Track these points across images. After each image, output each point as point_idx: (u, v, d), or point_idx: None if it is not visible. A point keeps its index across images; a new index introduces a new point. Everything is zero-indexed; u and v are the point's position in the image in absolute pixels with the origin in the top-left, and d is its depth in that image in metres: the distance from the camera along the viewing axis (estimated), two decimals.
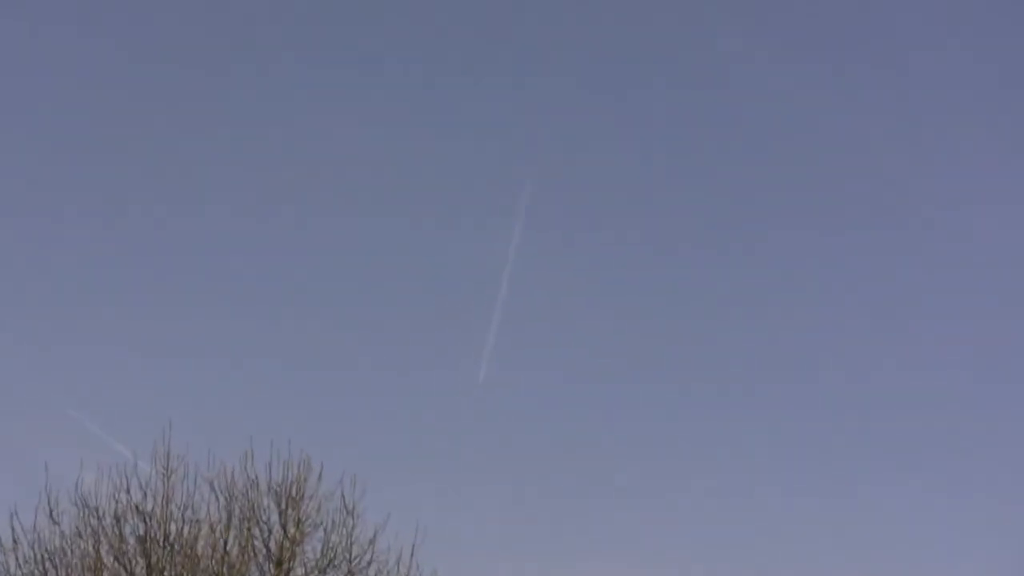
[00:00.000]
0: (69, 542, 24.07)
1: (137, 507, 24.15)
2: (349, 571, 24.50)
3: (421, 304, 40.06)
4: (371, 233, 41.44)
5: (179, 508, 24.29)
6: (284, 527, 24.31)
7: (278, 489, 24.49)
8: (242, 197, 41.14)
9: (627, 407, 38.34)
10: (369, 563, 24.56)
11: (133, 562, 24.22)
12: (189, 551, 24.00)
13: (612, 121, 42.85)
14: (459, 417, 37.27)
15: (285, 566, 24.42)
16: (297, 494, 24.49)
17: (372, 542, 24.48)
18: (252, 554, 24.27)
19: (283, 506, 24.42)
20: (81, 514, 24.12)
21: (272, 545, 24.36)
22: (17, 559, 24.01)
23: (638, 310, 40.94)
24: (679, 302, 40.87)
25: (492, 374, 37.02)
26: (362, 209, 41.83)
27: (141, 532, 24.06)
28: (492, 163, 41.95)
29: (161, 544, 24.10)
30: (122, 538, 24.08)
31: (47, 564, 24.07)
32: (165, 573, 24.05)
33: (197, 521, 24.22)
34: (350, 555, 24.45)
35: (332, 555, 24.48)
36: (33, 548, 24.01)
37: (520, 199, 39.58)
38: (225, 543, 24.12)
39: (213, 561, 24.07)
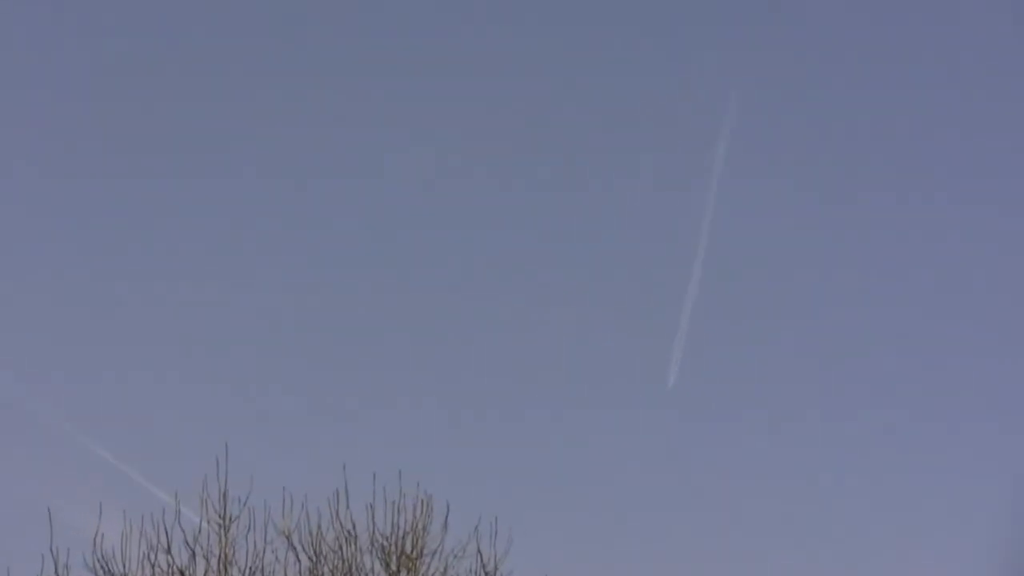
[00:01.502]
0: None
1: (183, 573, 17.42)
2: None
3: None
4: None
5: (243, 573, 17.53)
6: None
7: (386, 543, 17.72)
8: None
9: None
10: None
11: None
12: None
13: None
14: (638, 438, 29.57)
15: None
16: (414, 550, 17.75)
17: None
18: None
19: (394, 567, 17.74)
20: None
21: None
22: None
23: None
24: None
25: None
26: None
27: None
28: None
29: None
30: None
31: None
32: None
33: None
34: None
35: None
36: None
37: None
38: None
39: None
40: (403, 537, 17.62)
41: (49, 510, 17.23)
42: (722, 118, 31.00)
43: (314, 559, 17.55)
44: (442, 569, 17.69)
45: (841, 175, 32.37)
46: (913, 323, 31.11)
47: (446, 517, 17.74)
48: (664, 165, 32.52)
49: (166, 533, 17.31)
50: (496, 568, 17.65)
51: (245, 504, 17.56)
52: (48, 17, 32.22)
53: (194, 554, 17.40)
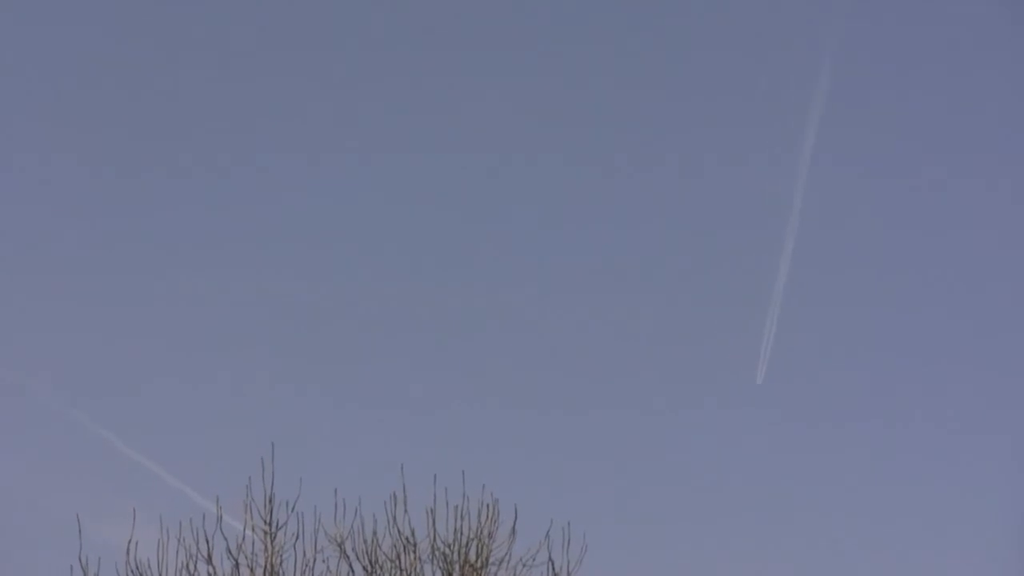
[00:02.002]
0: None
1: None
2: None
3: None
4: None
5: None
6: None
7: (448, 551, 16.19)
8: None
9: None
10: None
11: None
12: None
13: None
14: (723, 438, 28.05)
15: None
16: (478, 559, 16.21)
17: None
18: None
19: None
20: None
21: None
22: None
23: None
24: None
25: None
26: None
27: None
28: None
29: None
30: None
31: None
32: None
33: None
34: None
35: None
36: None
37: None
38: None
39: None
40: (467, 545, 16.22)
41: (78, 517, 15.87)
42: (812, 98, 29.43)
43: (369, 569, 16.17)
44: None
45: (935, 160, 30.81)
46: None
47: (514, 523, 16.37)
48: (750, 150, 31.14)
49: (207, 541, 15.98)
50: None
51: (293, 509, 16.30)
52: None
53: (237, 564, 16.08)
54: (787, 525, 25.87)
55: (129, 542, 15.79)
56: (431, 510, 16.14)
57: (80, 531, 15.78)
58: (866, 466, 27.53)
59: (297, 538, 16.15)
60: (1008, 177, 30.41)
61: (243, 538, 16.12)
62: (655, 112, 31.56)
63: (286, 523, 16.21)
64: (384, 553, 16.12)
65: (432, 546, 16.14)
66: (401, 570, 16.07)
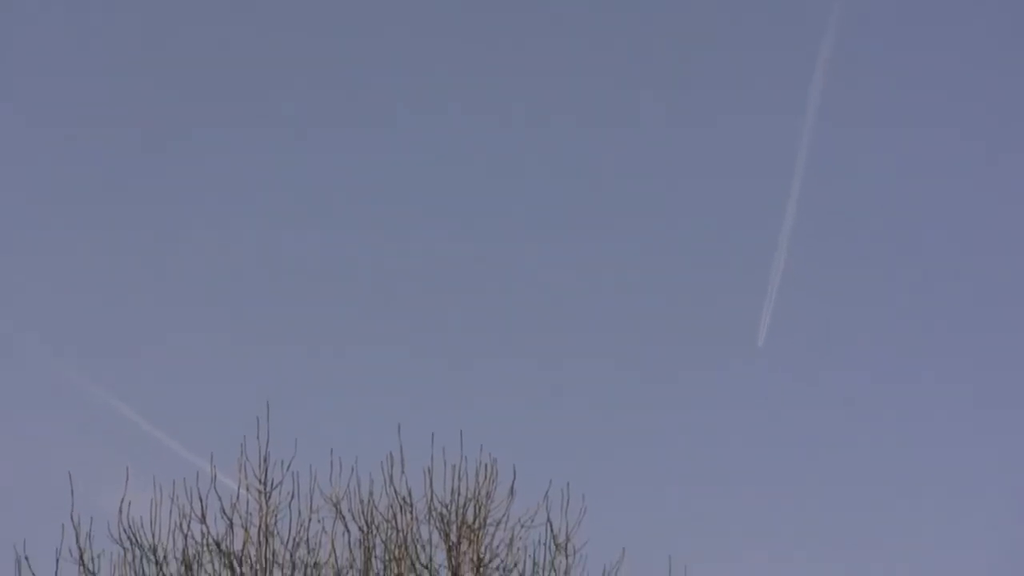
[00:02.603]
0: None
1: (219, 545, 15.73)
2: None
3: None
4: None
5: (286, 545, 15.83)
6: (456, 572, 15.87)
7: (445, 512, 15.94)
8: None
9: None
10: None
11: None
12: None
13: None
14: (724, 400, 27.81)
15: None
16: (476, 519, 15.93)
17: None
18: None
19: (454, 539, 15.92)
20: (130, 558, 15.64)
21: None
22: None
23: None
24: None
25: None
26: None
27: None
28: None
29: None
30: None
31: None
32: None
33: (316, 566, 15.77)
34: None
35: None
36: None
37: None
38: None
39: None
40: (464, 505, 15.96)
41: (70, 475, 15.62)
42: (817, 51, 29.06)
43: (365, 529, 15.91)
44: (507, 540, 15.95)
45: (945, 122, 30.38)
46: None
47: (512, 483, 16.06)
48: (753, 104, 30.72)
49: (201, 501, 15.74)
50: (568, 540, 15.89)
51: (288, 469, 15.99)
52: None
53: (232, 523, 15.82)
54: (788, 486, 25.83)
55: (122, 501, 15.58)
56: (428, 470, 15.93)
57: (72, 490, 15.53)
58: (869, 427, 27.50)
59: (292, 498, 15.91)
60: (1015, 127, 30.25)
61: (237, 498, 15.89)
62: (662, 62, 31.28)
63: (281, 483, 15.94)
64: (380, 513, 15.87)
65: (429, 506, 15.93)
66: (397, 530, 15.82)
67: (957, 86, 30.62)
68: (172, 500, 15.69)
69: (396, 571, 15.69)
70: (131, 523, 15.60)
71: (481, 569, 15.82)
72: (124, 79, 30.05)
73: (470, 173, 30.28)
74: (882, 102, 30.45)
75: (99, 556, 15.58)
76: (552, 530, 15.88)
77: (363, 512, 15.84)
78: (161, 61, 30.25)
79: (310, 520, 15.86)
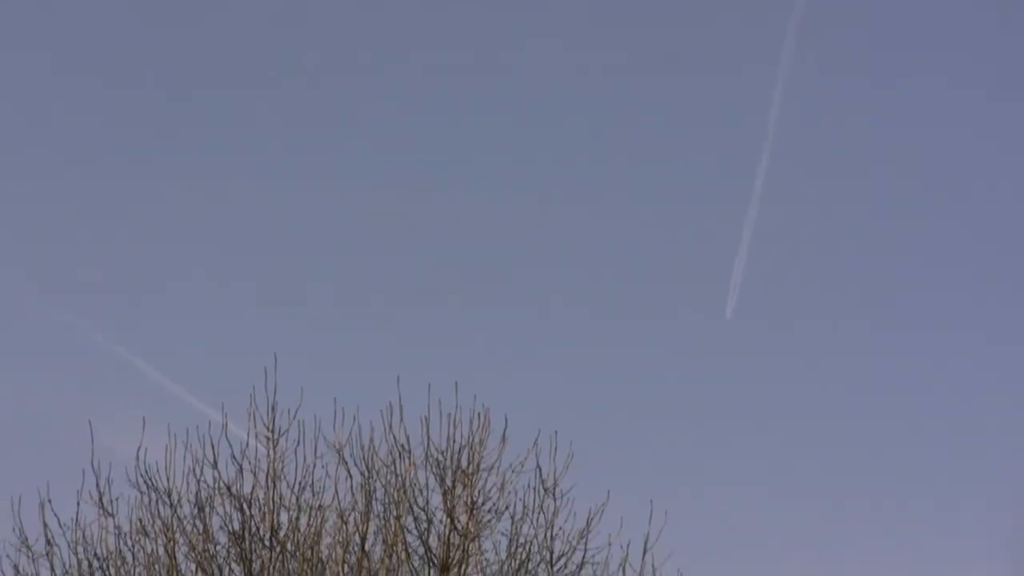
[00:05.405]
0: (129, 541, 16.47)
1: (229, 489, 16.48)
2: None
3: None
4: None
5: (292, 489, 16.54)
6: (451, 515, 16.44)
7: (441, 458, 16.49)
8: None
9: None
10: (580, 565, 16.57)
11: (225, 569, 16.46)
12: (309, 552, 16.22)
13: None
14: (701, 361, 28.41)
15: (454, 571, 16.55)
16: (471, 465, 16.49)
17: (584, 535, 16.50)
18: (404, 555, 16.42)
19: (450, 483, 16.48)
20: (146, 501, 16.48)
21: (433, 541, 16.53)
22: (53, 568, 16.47)
23: None
24: None
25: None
26: None
27: (236, 526, 16.39)
28: None
29: (266, 543, 16.34)
30: (208, 535, 16.42)
31: (97, 574, 16.42)
32: None
33: (320, 508, 16.45)
34: (551, 554, 16.50)
35: (524, 555, 16.50)
36: (76, 551, 16.42)
37: None
38: (363, 540, 16.30)
39: (345, 567, 16.23)
40: (459, 452, 16.44)
41: (90, 423, 16.51)
42: (786, 23, 29.44)
43: (366, 474, 16.53)
44: (499, 484, 16.49)
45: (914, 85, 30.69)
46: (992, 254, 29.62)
47: (504, 431, 16.52)
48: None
49: (212, 447, 16.47)
50: (555, 484, 16.45)
51: (295, 417, 16.61)
52: None
53: (241, 468, 16.51)
54: (763, 426, 26.51)
55: (139, 448, 16.41)
56: (425, 419, 16.41)
57: (92, 438, 16.41)
58: (838, 399, 28.06)
59: (298, 444, 16.54)
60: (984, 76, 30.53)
61: (247, 444, 16.56)
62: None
63: (288, 430, 16.57)
64: (380, 459, 16.48)
65: (426, 453, 16.44)
66: (397, 475, 16.44)
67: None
68: (185, 447, 16.48)
69: (395, 513, 16.38)
70: (147, 469, 16.44)
71: (474, 512, 16.41)
72: (151, 26, 30.35)
73: (465, 139, 30.77)
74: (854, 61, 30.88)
75: (117, 499, 16.48)
76: (541, 475, 16.45)
77: (364, 458, 16.52)
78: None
79: (315, 465, 16.54)
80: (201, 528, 16.33)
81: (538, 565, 16.49)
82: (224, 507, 16.41)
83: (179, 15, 30.73)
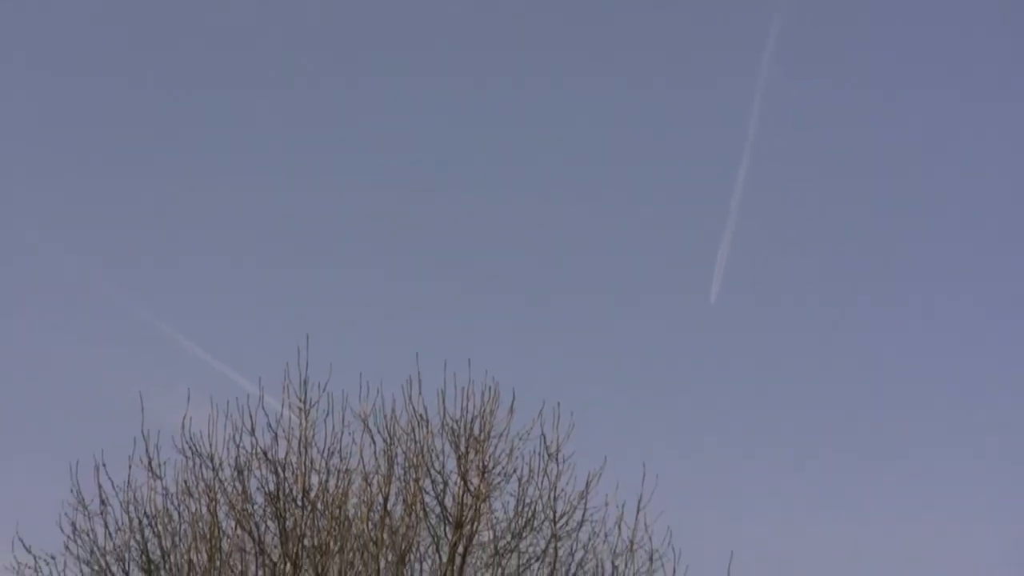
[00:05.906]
0: (175, 501, 18.11)
1: (266, 454, 17.97)
2: (553, 534, 18.05)
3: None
4: None
5: (322, 454, 18.05)
6: (464, 477, 17.93)
7: (455, 426, 17.97)
8: None
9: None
10: (580, 523, 18.11)
11: (261, 526, 18.01)
12: (336, 511, 17.75)
13: None
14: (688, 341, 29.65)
15: (466, 528, 18.02)
16: (482, 433, 17.97)
17: (584, 496, 18.01)
18: (422, 514, 17.95)
19: (463, 449, 17.96)
20: (191, 465, 18.07)
21: (448, 501, 18.08)
22: (107, 526, 18.01)
23: None
24: None
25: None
26: None
27: (272, 487, 17.91)
28: None
29: (299, 502, 17.88)
30: (246, 495, 17.99)
31: (146, 531, 18.03)
32: (304, 540, 17.80)
33: (347, 471, 17.94)
34: (554, 513, 17.99)
35: (530, 514, 18.02)
36: (128, 510, 18.04)
37: None
38: (385, 500, 17.82)
39: (369, 524, 17.79)
40: (471, 421, 17.83)
41: (141, 395, 17.98)
42: (770, 19, 30.32)
43: (388, 441, 17.93)
44: (508, 451, 17.94)
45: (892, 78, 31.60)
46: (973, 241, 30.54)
47: (512, 403, 17.91)
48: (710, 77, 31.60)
49: (250, 417, 17.94)
50: (558, 450, 17.83)
51: (324, 390, 18.02)
52: None
53: (276, 436, 17.98)
54: (749, 398, 27.79)
55: (184, 417, 17.95)
56: (441, 391, 17.86)
57: (142, 408, 17.93)
58: (822, 384, 29.33)
59: (327, 414, 17.98)
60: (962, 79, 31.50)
61: (281, 415, 18.04)
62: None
63: (318, 402, 17.97)
64: (401, 428, 17.92)
65: (442, 422, 17.87)
66: (416, 442, 17.90)
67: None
68: (226, 417, 18.01)
69: (415, 476, 17.89)
70: (191, 436, 17.99)
71: (485, 475, 17.89)
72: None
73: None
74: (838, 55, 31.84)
75: (165, 464, 18.07)
76: (545, 442, 17.87)
77: (386, 426, 18.01)
78: None
79: (342, 433, 18.02)
80: (240, 489, 17.89)
81: (542, 523, 18.02)
82: (261, 470, 17.96)
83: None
